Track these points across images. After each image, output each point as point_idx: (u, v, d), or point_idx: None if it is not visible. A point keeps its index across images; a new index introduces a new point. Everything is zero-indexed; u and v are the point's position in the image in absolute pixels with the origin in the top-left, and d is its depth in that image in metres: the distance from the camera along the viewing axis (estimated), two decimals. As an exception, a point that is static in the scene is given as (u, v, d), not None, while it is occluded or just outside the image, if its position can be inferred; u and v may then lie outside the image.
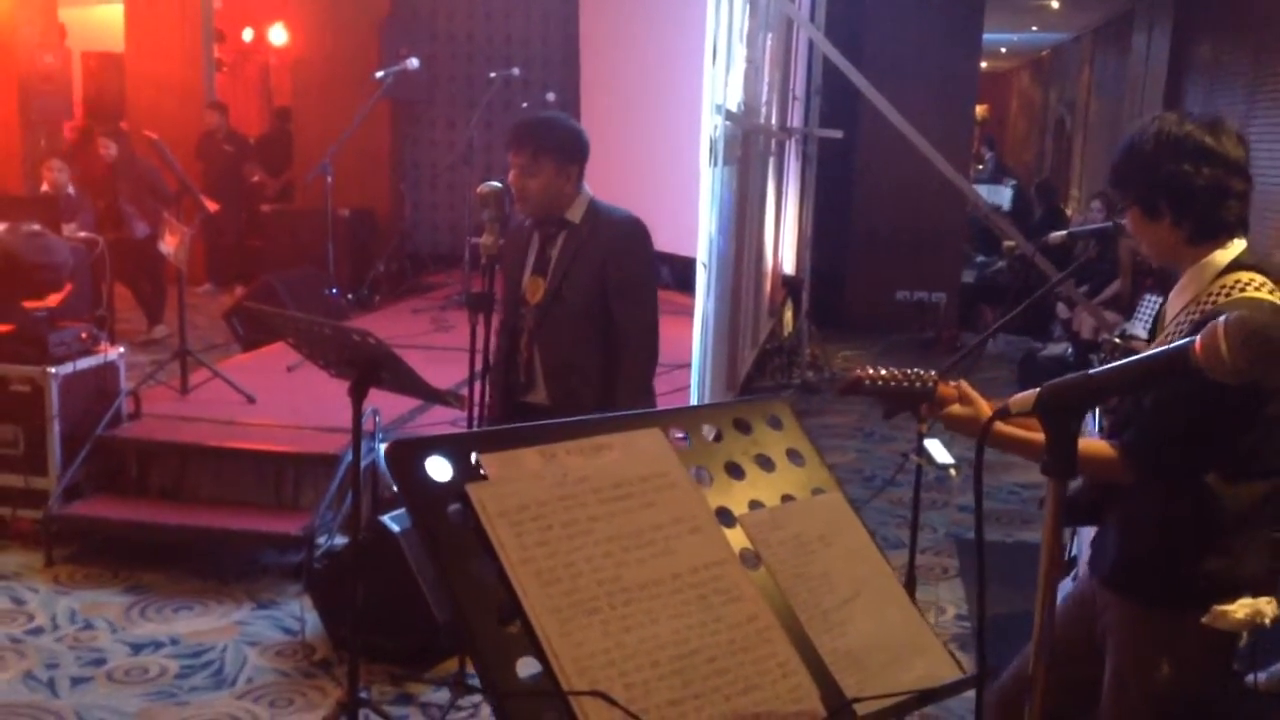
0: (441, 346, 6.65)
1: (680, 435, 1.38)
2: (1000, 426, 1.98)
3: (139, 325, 8.37)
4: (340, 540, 4.56)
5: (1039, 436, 2.06)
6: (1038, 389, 1.34)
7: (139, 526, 4.64)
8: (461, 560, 1.10)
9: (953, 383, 2.02)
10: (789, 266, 8.36)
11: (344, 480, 4.59)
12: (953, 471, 2.68)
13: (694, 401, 4.79)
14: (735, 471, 1.36)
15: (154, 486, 4.89)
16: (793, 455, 1.42)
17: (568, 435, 1.26)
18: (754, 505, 1.34)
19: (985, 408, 1.96)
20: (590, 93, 9.75)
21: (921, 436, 2.79)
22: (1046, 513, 1.32)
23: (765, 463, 1.39)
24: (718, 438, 1.39)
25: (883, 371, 1.97)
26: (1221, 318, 1.26)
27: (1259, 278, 1.94)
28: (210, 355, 6.46)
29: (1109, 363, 1.36)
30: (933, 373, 2.05)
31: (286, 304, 6.91)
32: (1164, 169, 1.98)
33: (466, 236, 9.15)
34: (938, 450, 3.00)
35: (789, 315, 8.51)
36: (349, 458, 4.63)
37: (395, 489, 4.68)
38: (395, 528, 3.91)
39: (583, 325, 3.26)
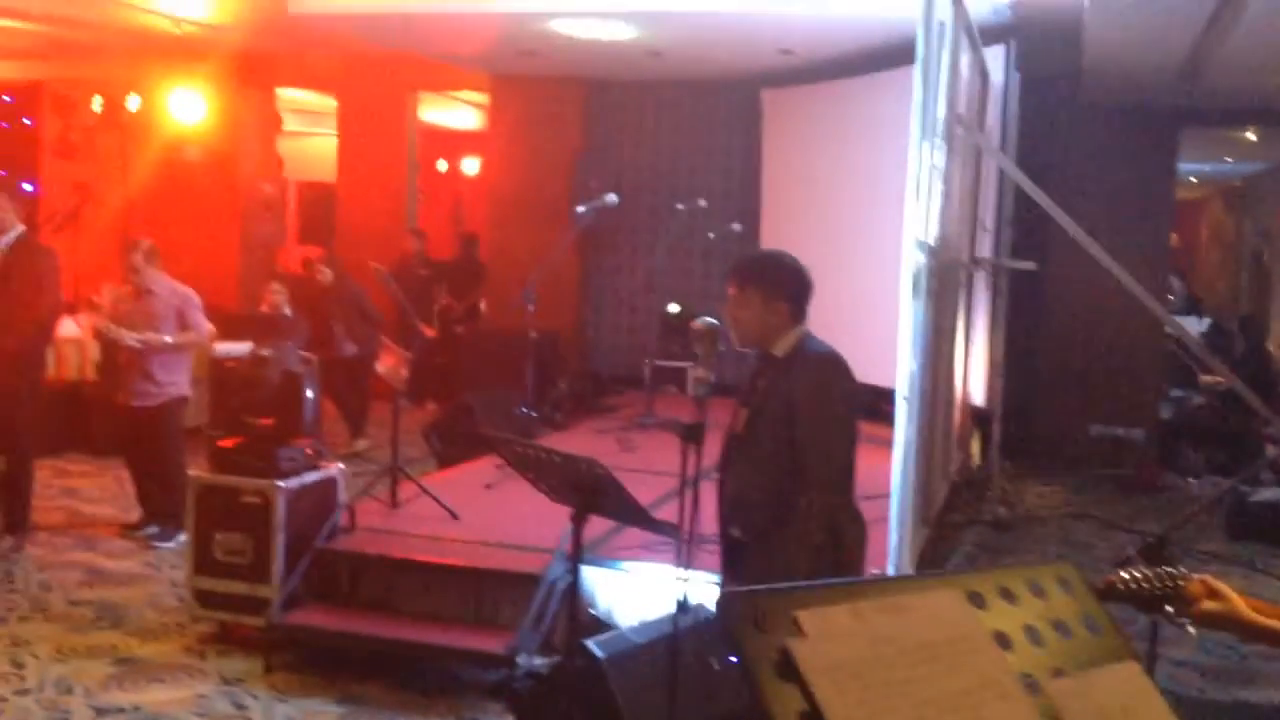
0: (629, 468, 6.77)
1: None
2: (1258, 619, 1.97)
3: (342, 438, 8.81)
4: (540, 660, 4.64)
5: None
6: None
7: (351, 637, 4.83)
8: (787, 714, 1.15)
9: (1197, 577, 2.02)
10: (978, 398, 8.22)
11: (544, 599, 4.70)
12: (1191, 629, 2.59)
13: (893, 535, 4.73)
14: (1034, 637, 1.37)
15: (364, 598, 5.09)
16: (1088, 621, 1.43)
17: (872, 594, 1.30)
18: (1056, 673, 1.35)
19: (1238, 602, 1.96)
20: (771, 222, 9.95)
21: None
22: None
23: (1062, 628, 1.40)
24: (1010, 601, 1.40)
25: (1136, 574, 2.01)
26: None
27: None
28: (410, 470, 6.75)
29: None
30: (1182, 570, 2.06)
31: (482, 422, 7.19)
32: None
33: (645, 359, 9.39)
34: (1172, 605, 2.89)
35: (976, 447, 8.33)
36: (550, 577, 4.78)
37: (593, 613, 4.76)
38: (600, 653, 3.96)
39: (773, 459, 3.28)
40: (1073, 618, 1.42)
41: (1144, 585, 1.98)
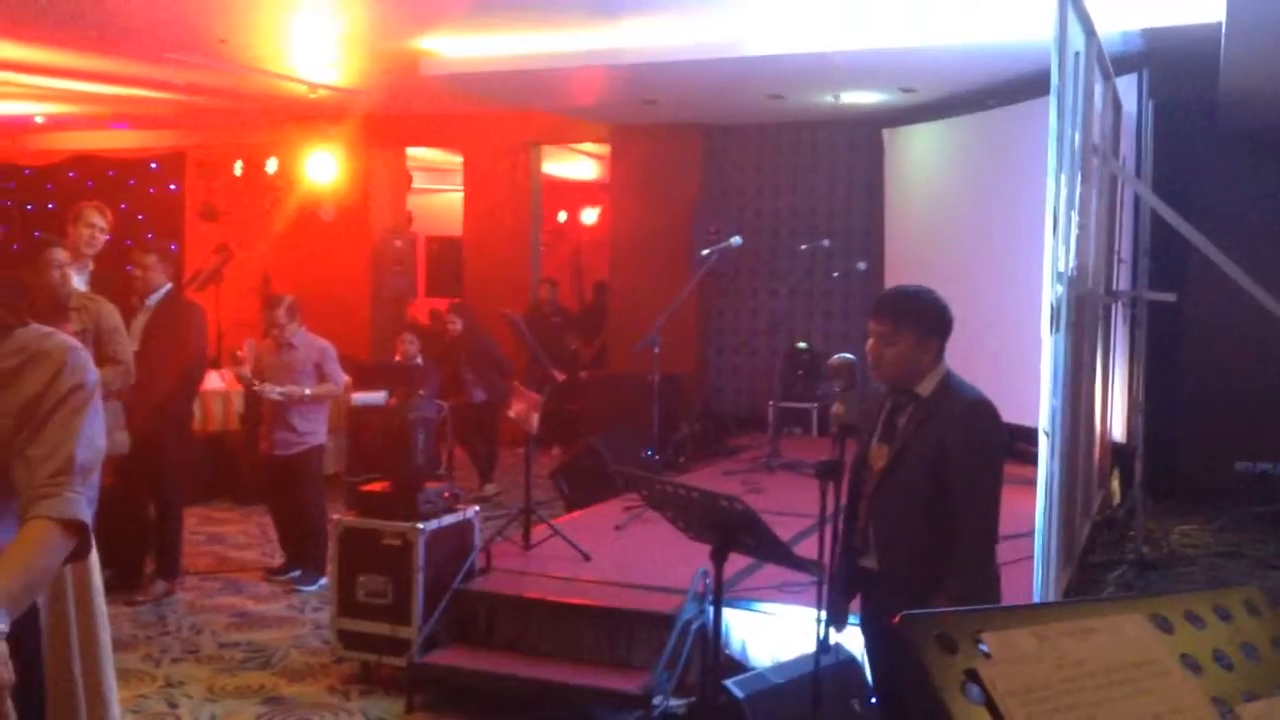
0: (759, 509, 6.73)
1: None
2: None
3: (472, 483, 8.97)
4: (676, 702, 4.62)
5: None
6: None
7: (488, 676, 4.88)
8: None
9: None
10: (1118, 434, 7.96)
11: (678, 640, 4.69)
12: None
13: (1038, 574, 4.60)
14: (1223, 661, 1.32)
15: (501, 638, 5.15)
16: (1277, 644, 1.37)
17: (1055, 617, 1.28)
18: (1247, 696, 1.30)
19: None
20: (894, 260, 9.87)
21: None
22: None
23: (1250, 652, 1.35)
24: (1197, 624, 1.36)
25: None
26: None
27: None
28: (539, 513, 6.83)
29: None
30: None
31: (609, 464, 7.25)
32: None
33: (768, 400, 9.36)
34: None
35: (1117, 485, 8.05)
36: (684, 617, 4.78)
37: (730, 652, 4.73)
38: (740, 693, 3.93)
39: (916, 499, 3.25)
40: (1262, 641, 1.37)
41: None
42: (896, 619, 1.20)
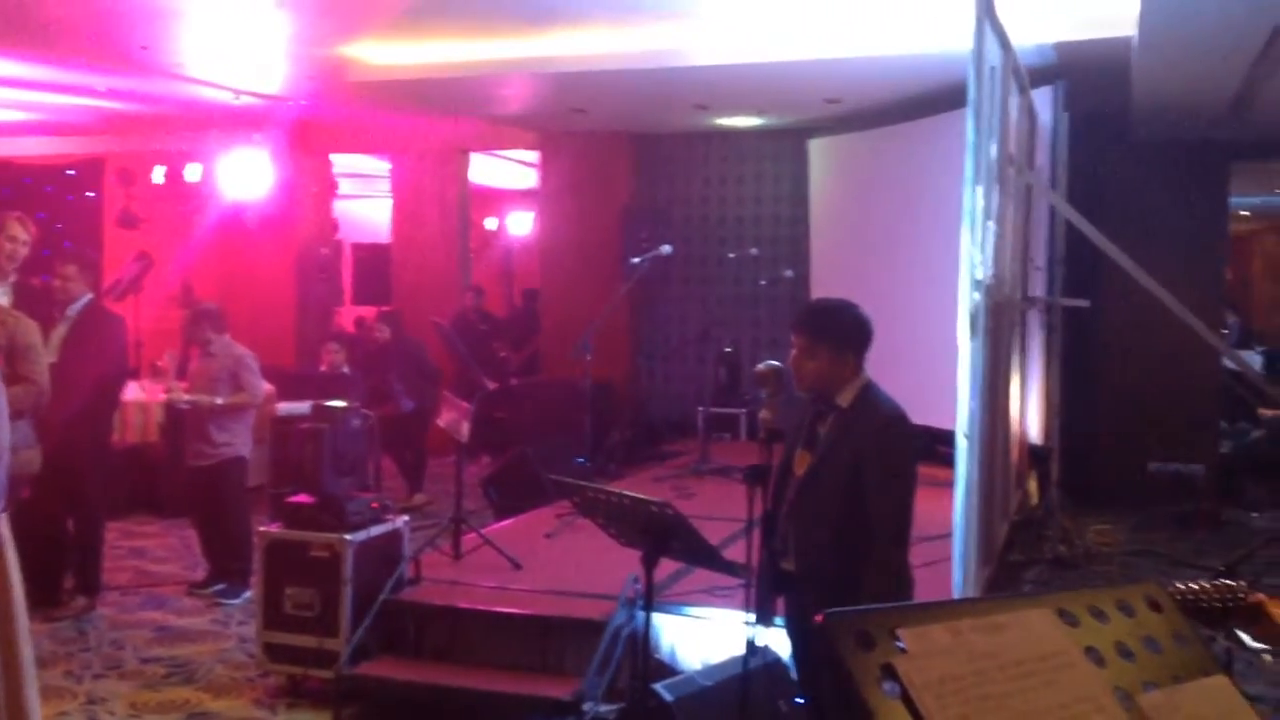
0: (689, 515, 6.78)
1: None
2: None
3: (399, 493, 8.90)
4: (606, 707, 4.64)
5: None
6: None
7: (418, 687, 4.87)
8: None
9: (1254, 597, 2.03)
10: (1034, 436, 8.17)
11: (609, 646, 4.72)
12: (1267, 658, 2.58)
13: (957, 574, 4.72)
14: (1125, 652, 1.40)
15: (430, 648, 5.14)
16: (1177, 637, 1.45)
17: (968, 613, 1.33)
18: (1148, 686, 1.37)
19: None
20: (820, 268, 10.01)
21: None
22: None
23: (1151, 644, 1.42)
24: (1101, 619, 1.43)
25: (1194, 585, 2.02)
26: None
27: None
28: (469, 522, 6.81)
29: None
30: (1241, 583, 2.07)
31: (540, 472, 7.25)
32: None
33: (698, 407, 9.44)
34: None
35: (1034, 486, 8.26)
36: (614, 623, 4.80)
37: (651, 661, 4.77)
38: (669, 696, 3.97)
39: (834, 505, 3.35)
40: (1162, 634, 1.45)
41: (1203, 597, 1.99)
42: (819, 618, 1.25)
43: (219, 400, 6.51)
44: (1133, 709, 1.34)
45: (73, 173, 13.23)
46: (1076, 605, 1.41)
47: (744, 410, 9.81)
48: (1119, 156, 9.48)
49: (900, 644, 1.26)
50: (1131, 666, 1.39)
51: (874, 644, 1.24)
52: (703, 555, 3.28)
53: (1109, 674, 1.36)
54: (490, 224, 16.16)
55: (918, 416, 3.58)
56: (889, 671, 1.21)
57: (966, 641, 1.29)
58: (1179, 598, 1.97)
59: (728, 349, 10.19)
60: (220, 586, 6.60)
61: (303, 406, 8.31)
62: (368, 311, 11.79)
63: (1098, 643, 1.39)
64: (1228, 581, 2.06)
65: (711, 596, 5.08)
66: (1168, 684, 1.39)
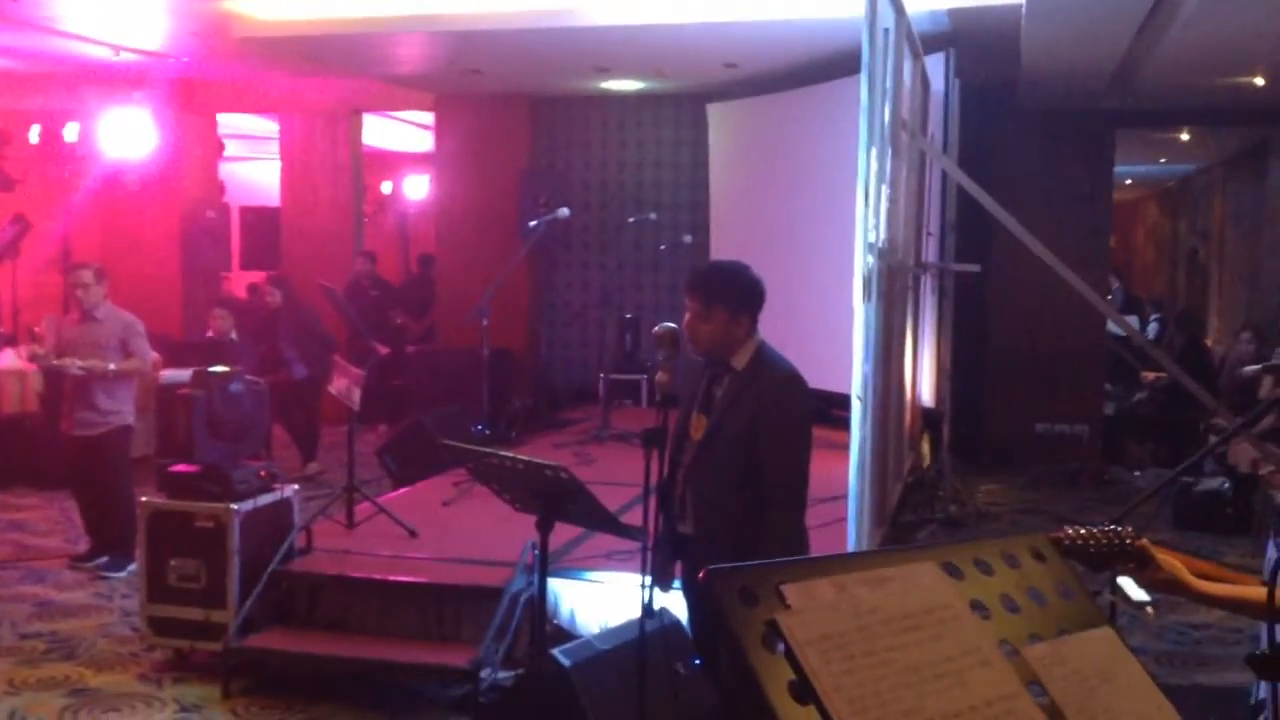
0: (589, 480, 6.75)
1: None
2: (1204, 585, 2.05)
3: (293, 463, 8.70)
4: (504, 674, 4.61)
5: (1248, 591, 2.08)
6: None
7: (310, 659, 4.77)
8: (776, 684, 1.16)
9: (1139, 542, 2.08)
10: (927, 399, 8.32)
11: (507, 612, 4.67)
12: (1149, 610, 2.64)
13: (851, 534, 4.78)
14: (1010, 605, 1.39)
15: (322, 619, 5.03)
16: (1063, 589, 1.45)
17: (854, 567, 1.32)
18: (1033, 639, 1.37)
19: (1181, 569, 2.02)
20: (720, 233, 10.03)
21: (1115, 575, 2.76)
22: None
23: (1037, 596, 1.43)
24: (986, 571, 1.43)
25: (1083, 530, 2.04)
26: None
27: None
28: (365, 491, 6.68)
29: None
30: (1129, 528, 2.10)
31: (437, 440, 7.12)
32: None
33: (599, 373, 9.41)
34: (1131, 588, 2.94)
35: (927, 448, 8.43)
36: (511, 590, 4.76)
37: (557, 627, 4.74)
38: (566, 661, 3.95)
39: (731, 468, 3.36)
40: (1048, 586, 1.45)
41: (1091, 541, 2.02)
42: (701, 575, 1.22)
43: (112, 366, 6.25)
44: (1018, 661, 1.34)
45: (-60, 132, 12.54)
46: (962, 558, 1.41)
47: (645, 376, 9.80)
48: (1008, 124, 9.67)
49: (785, 600, 1.23)
50: (1017, 619, 1.39)
51: (757, 600, 1.21)
52: (599, 519, 3.24)
53: (994, 627, 1.36)
54: (386, 188, 15.82)
55: (813, 380, 3.59)
56: (772, 627, 1.19)
57: (851, 596, 1.27)
58: (1069, 542, 1.99)
59: (628, 315, 10.17)
60: (103, 560, 6.37)
61: (186, 374, 8.05)
62: (257, 277, 11.44)
63: (983, 595, 1.39)
64: (1116, 528, 2.09)
65: (610, 561, 5.07)
66: (1053, 636, 1.40)
